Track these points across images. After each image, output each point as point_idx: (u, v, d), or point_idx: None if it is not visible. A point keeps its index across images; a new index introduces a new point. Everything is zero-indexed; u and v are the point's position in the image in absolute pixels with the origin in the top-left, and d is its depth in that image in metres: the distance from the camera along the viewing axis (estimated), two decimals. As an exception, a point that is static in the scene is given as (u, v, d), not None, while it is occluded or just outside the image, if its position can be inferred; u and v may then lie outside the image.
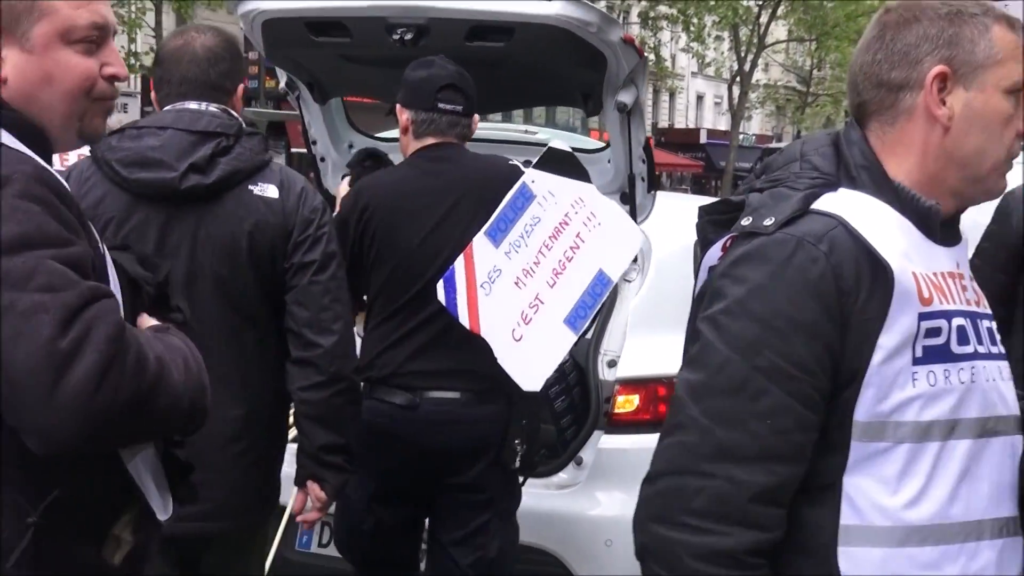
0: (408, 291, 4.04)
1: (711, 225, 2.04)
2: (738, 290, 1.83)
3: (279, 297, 3.46)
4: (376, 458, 4.01)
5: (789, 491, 1.81)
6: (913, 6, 1.99)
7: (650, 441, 4.08)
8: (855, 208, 1.88)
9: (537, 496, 4.50)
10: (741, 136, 46.92)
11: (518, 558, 4.22)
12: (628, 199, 4.83)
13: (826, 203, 1.88)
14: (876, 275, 1.82)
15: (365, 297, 4.19)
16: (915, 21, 1.97)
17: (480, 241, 3.79)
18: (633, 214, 4.68)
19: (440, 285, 3.75)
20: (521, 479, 4.28)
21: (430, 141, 4.11)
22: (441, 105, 4.06)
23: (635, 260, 4.69)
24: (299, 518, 3.68)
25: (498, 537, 4.10)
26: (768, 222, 1.86)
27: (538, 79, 4.96)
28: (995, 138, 1.94)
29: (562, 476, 4.58)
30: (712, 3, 36.31)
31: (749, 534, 1.76)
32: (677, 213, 5.06)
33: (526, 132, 6.15)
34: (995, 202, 3.69)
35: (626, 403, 4.62)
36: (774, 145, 50.42)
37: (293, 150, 30.57)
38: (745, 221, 1.91)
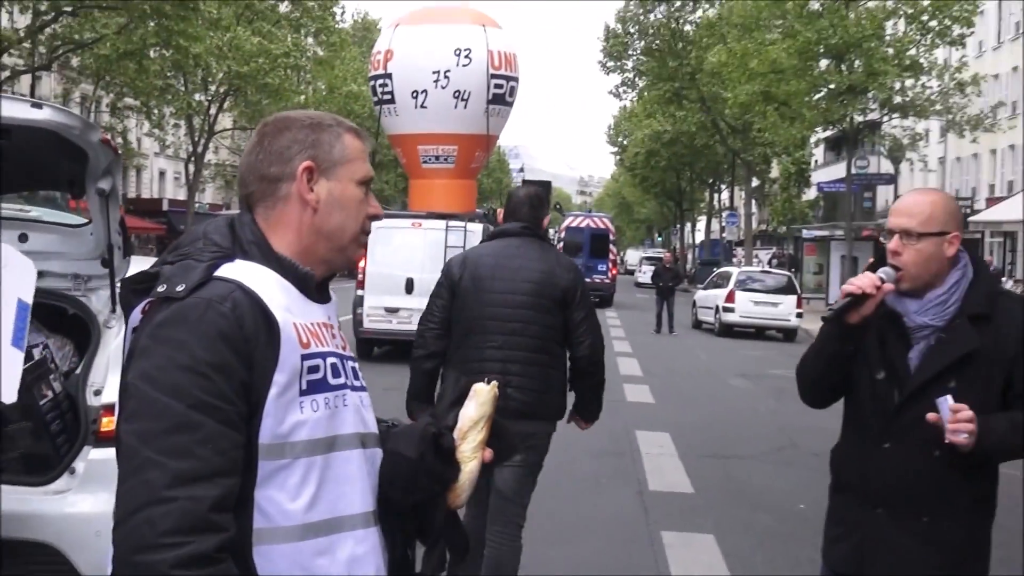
0: None
1: (132, 293, 2.03)
2: (164, 348, 1.86)
3: None
4: None
5: (233, 497, 1.85)
6: (284, 118, 2.13)
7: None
8: (249, 275, 1.97)
9: (38, 501, 4.61)
10: (197, 205, 46.95)
11: (23, 555, 4.34)
12: (108, 263, 5.11)
13: (226, 271, 1.96)
14: (269, 327, 1.92)
15: None
16: (287, 129, 2.09)
17: None
18: (112, 275, 5.02)
19: None
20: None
21: None
22: None
23: (113, 310, 5.07)
24: None
25: None
26: (180, 288, 1.90)
27: (32, 169, 5.12)
28: (351, 217, 2.11)
29: (59, 483, 4.69)
30: (170, 97, 36.08)
31: (215, 537, 1.79)
32: None
33: (20, 210, 6.19)
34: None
35: (110, 423, 4.79)
36: (223, 212, 50.81)
37: None
38: (161, 288, 1.93)
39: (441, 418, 2.22)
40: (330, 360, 2.03)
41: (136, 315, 1.99)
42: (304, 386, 1.96)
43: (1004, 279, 35.50)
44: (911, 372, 3.22)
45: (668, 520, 8.09)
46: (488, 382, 2.25)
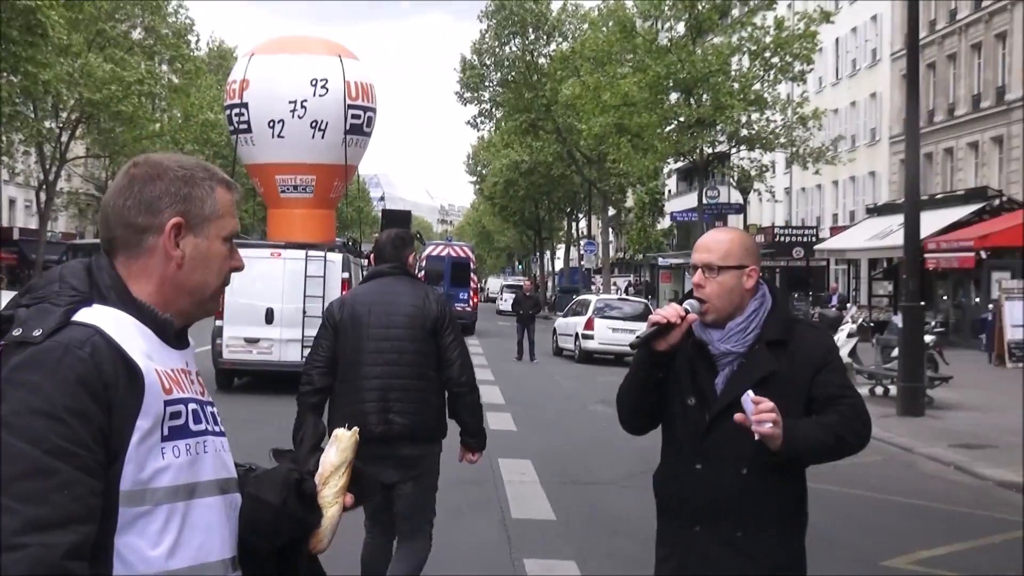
0: None
1: None
2: (20, 392, 1.80)
3: None
4: None
5: (90, 544, 1.78)
6: (157, 165, 2.05)
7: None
8: (108, 320, 1.91)
9: None
10: (49, 233, 45.31)
11: None
12: None
13: (84, 316, 1.90)
14: (130, 373, 1.87)
15: None
16: (158, 178, 2.02)
17: None
18: None
19: None
20: None
21: None
22: None
23: None
24: None
25: None
26: (37, 333, 1.84)
27: None
28: (215, 273, 2.07)
29: None
30: (18, 124, 34.83)
31: None
32: None
33: None
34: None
35: None
36: (78, 241, 49.21)
37: None
38: (16, 332, 1.86)
39: (302, 463, 2.18)
40: (191, 406, 1.99)
41: None
42: (166, 432, 1.92)
43: (849, 305, 36.82)
44: (718, 395, 3.41)
45: (531, 548, 8.09)
46: (349, 428, 2.23)
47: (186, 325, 2.11)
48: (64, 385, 1.81)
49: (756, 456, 3.31)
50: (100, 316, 1.92)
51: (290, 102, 18.64)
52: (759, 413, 3.16)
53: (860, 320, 26.11)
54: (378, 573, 5.71)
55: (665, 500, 3.57)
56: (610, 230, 56.38)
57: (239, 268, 2.13)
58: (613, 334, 27.31)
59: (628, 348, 27.16)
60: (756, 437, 3.18)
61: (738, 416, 3.20)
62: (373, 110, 19.93)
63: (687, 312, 3.36)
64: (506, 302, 54.95)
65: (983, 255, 29.95)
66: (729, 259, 3.42)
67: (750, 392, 3.20)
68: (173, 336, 2.04)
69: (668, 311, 3.36)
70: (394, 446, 5.45)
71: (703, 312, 3.41)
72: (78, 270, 2.01)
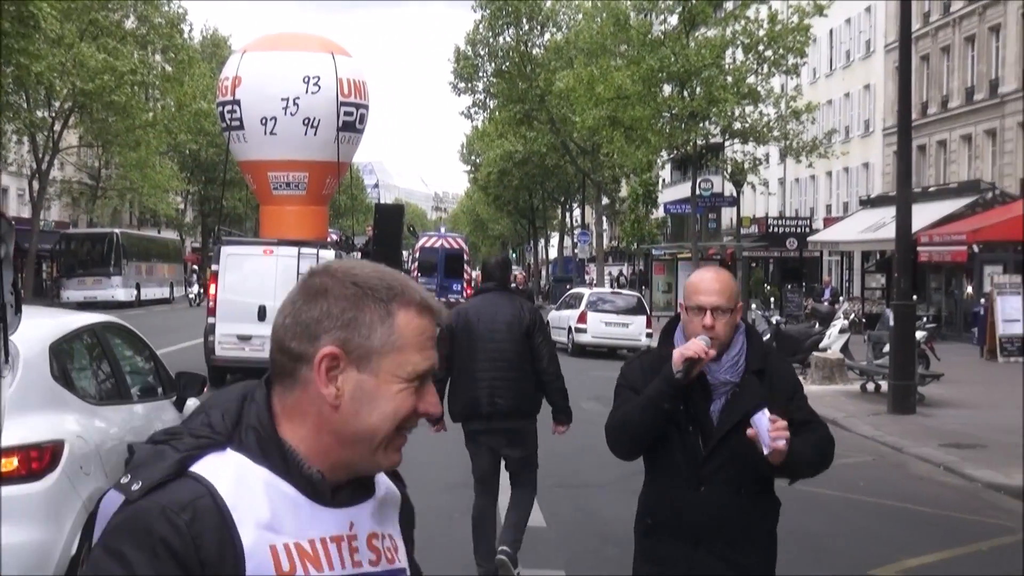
0: None
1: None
2: (111, 564, 1.52)
3: None
4: None
5: None
6: (329, 276, 1.65)
7: (27, 488, 5.24)
8: (229, 475, 1.57)
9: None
10: (42, 223, 45.27)
11: None
12: (1, 320, 4.88)
13: (204, 467, 1.57)
14: (236, 548, 1.54)
15: None
16: (323, 295, 1.63)
17: None
18: (4, 331, 4.76)
19: None
20: None
21: None
22: None
23: (6, 361, 4.87)
24: None
25: None
26: (136, 487, 1.55)
27: None
28: (386, 418, 1.63)
29: None
30: (11, 113, 34.77)
31: None
32: (37, 327, 5.95)
33: None
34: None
35: (8, 463, 5.26)
36: (72, 231, 49.09)
37: None
38: (123, 480, 1.58)
39: None
40: None
41: (106, 504, 1.62)
42: None
43: (841, 299, 36.87)
44: (715, 424, 3.75)
45: (521, 557, 8.09)
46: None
47: (352, 478, 1.69)
48: (153, 562, 1.50)
49: (750, 478, 3.73)
50: (222, 469, 1.58)
51: (282, 99, 18.62)
52: (777, 431, 3.49)
53: (852, 316, 26.18)
54: (488, 526, 7.32)
55: (660, 522, 3.83)
56: (604, 219, 56.39)
57: (430, 415, 1.69)
58: (606, 328, 27.30)
59: (620, 342, 27.40)
60: (766, 451, 3.50)
61: (750, 432, 3.53)
62: (366, 107, 19.91)
63: (707, 348, 3.67)
64: (500, 292, 54.78)
65: (975, 249, 29.99)
66: (733, 300, 3.78)
67: (765, 411, 3.53)
68: (328, 493, 1.64)
69: (696, 347, 3.64)
70: (500, 422, 7.17)
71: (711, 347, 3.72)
72: (230, 401, 1.67)
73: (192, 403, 8.42)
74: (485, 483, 7.33)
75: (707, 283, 3.80)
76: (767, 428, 3.48)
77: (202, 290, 45.03)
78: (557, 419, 7.55)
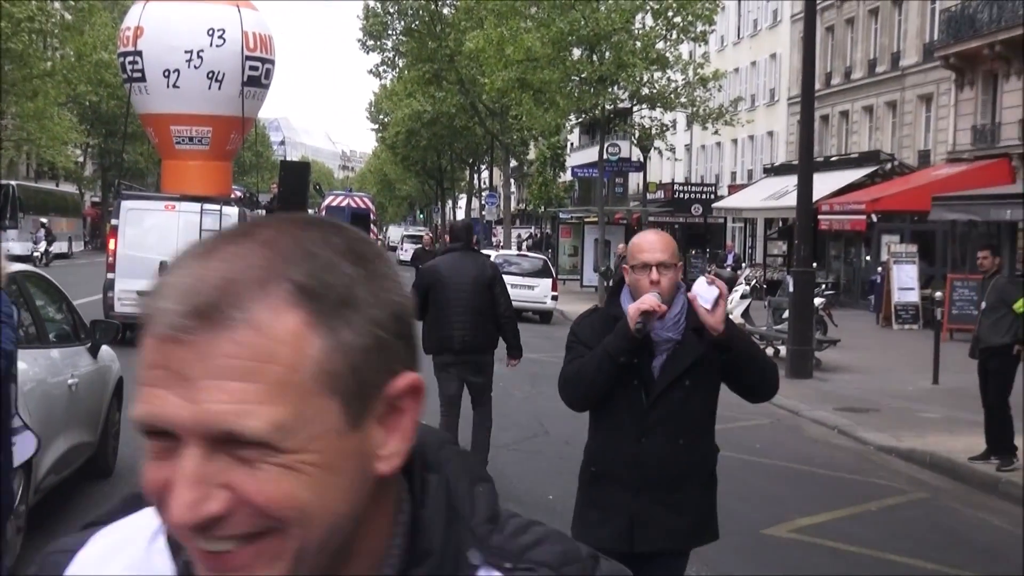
0: None
1: None
2: None
3: None
4: None
5: None
6: None
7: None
8: None
9: None
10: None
11: None
12: None
13: None
14: None
15: None
16: None
17: None
18: None
19: None
20: None
21: None
22: None
23: None
24: None
25: None
26: None
27: None
28: None
29: None
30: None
31: None
32: None
33: None
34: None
35: None
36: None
37: None
38: None
39: None
40: None
41: None
42: None
43: (744, 265, 37.47)
44: (655, 378, 4.01)
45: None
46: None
47: None
48: None
49: (688, 429, 4.05)
50: None
51: (186, 52, 18.21)
52: (712, 282, 3.96)
53: (754, 282, 26.64)
54: (454, 437, 7.89)
55: (605, 470, 4.10)
56: (512, 182, 56.42)
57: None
58: (512, 290, 27.19)
59: (526, 304, 27.52)
60: (707, 306, 3.89)
61: (690, 295, 3.96)
62: (272, 62, 19.58)
63: (659, 303, 3.91)
64: (407, 252, 54.63)
65: (874, 218, 30.71)
66: (674, 257, 4.04)
67: (703, 278, 3.97)
68: None
69: (650, 300, 3.88)
70: (468, 355, 8.81)
71: None
72: None
73: (106, 350, 8.59)
74: (452, 404, 8.97)
75: (650, 242, 4.06)
76: (706, 284, 3.93)
77: (49, 249, 44.13)
78: (511, 354, 9.31)
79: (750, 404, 4.61)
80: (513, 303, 9.31)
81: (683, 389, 3.98)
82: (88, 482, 8.41)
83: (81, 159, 67.56)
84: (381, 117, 77.13)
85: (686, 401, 4.00)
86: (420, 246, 31.65)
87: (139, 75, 18.66)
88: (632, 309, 3.90)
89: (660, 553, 4.10)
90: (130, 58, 18.77)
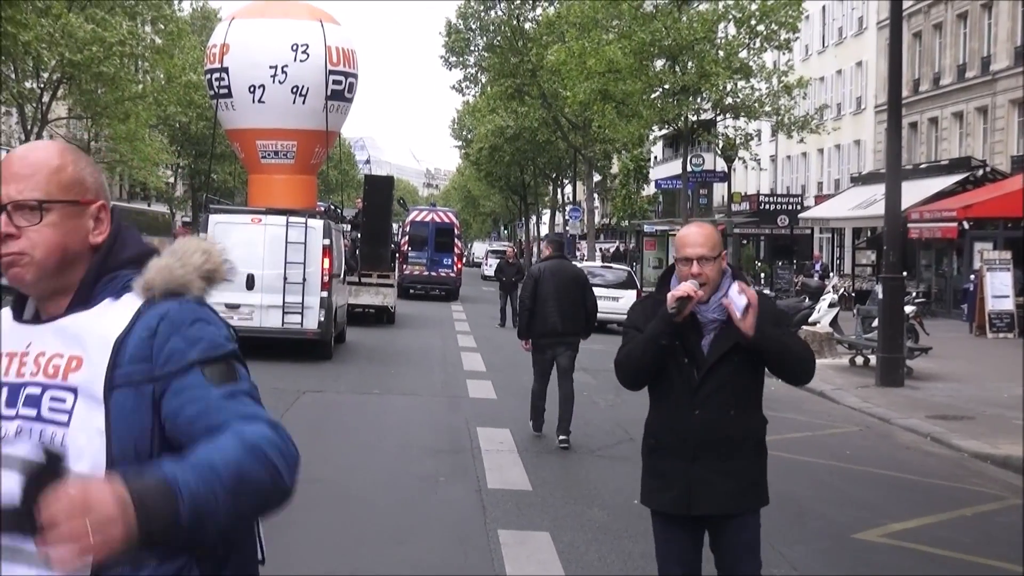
0: None
1: None
2: None
3: None
4: None
5: None
6: None
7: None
8: None
9: None
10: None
11: None
12: None
13: None
14: None
15: None
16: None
17: None
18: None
19: None
20: None
21: None
22: None
23: None
24: None
25: None
26: None
27: None
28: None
29: None
30: (-2, 84, 34.48)
31: None
32: None
33: None
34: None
35: None
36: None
37: None
38: None
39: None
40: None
41: None
42: None
43: (831, 274, 36.86)
44: (706, 355, 4.33)
45: (505, 518, 8.12)
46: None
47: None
48: None
49: (738, 401, 4.37)
50: None
51: (271, 67, 18.53)
52: (742, 291, 4.19)
53: (842, 290, 26.21)
54: (540, 402, 11.62)
55: (662, 441, 4.46)
56: (595, 196, 56.30)
57: None
58: (598, 303, 27.18)
59: (610, 316, 27.41)
60: (738, 314, 4.15)
61: (724, 301, 4.22)
62: (355, 76, 19.82)
63: (696, 289, 4.21)
64: (491, 267, 54.86)
65: (966, 225, 30.01)
66: (716, 249, 4.32)
67: (736, 283, 4.24)
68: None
69: (685, 287, 4.21)
70: (564, 338, 11.21)
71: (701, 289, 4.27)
72: None
73: None
74: (544, 374, 11.46)
75: (692, 237, 4.37)
76: (737, 292, 4.19)
77: None
78: (583, 335, 11.52)
79: (839, 412, 4.77)
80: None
81: (731, 364, 4.31)
82: None
83: (172, 179, 69.09)
84: (464, 133, 77.54)
85: (734, 376, 4.34)
86: (503, 259, 31.79)
87: (225, 91, 19.03)
88: (669, 296, 4.26)
89: (719, 515, 4.42)
90: (217, 75, 19.15)
